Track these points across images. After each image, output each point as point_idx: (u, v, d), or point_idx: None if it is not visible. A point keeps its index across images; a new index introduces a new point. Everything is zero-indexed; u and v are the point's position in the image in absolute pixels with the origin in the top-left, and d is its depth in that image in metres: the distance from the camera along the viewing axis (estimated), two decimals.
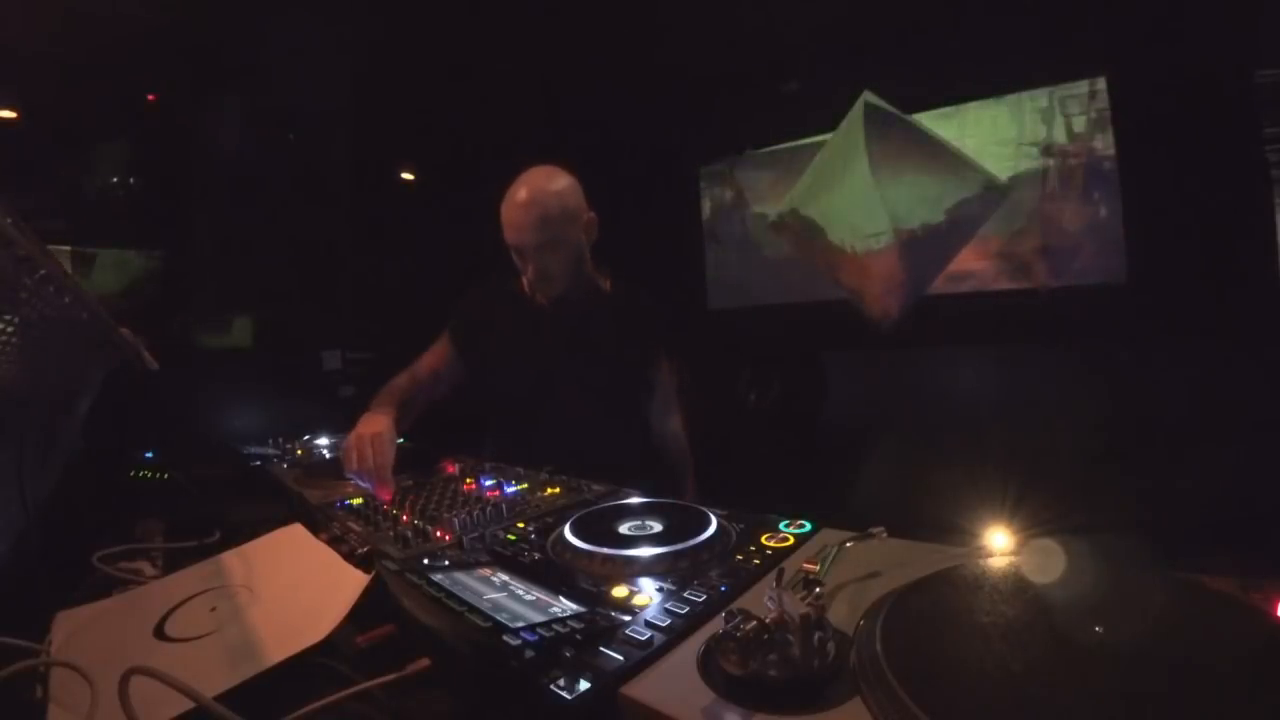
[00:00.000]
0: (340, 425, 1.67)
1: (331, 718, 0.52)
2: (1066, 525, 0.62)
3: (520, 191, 1.33)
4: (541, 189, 1.32)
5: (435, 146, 3.17)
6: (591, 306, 1.45)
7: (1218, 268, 1.86)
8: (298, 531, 0.86)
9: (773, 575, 0.58)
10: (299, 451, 1.46)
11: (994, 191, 2.30)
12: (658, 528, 0.76)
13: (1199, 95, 1.86)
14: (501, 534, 0.82)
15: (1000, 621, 0.47)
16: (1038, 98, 2.19)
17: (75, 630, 0.68)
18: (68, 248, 2.31)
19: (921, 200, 2.40)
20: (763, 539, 0.73)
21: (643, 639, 0.52)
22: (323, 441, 1.54)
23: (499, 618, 0.56)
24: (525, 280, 1.40)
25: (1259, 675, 0.40)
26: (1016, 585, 0.52)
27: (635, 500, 0.90)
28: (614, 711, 0.47)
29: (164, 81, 2.53)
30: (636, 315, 1.47)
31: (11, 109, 2.22)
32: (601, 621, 0.55)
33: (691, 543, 0.69)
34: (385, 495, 0.99)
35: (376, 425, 1.14)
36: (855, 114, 2.51)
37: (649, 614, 0.56)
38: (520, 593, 0.63)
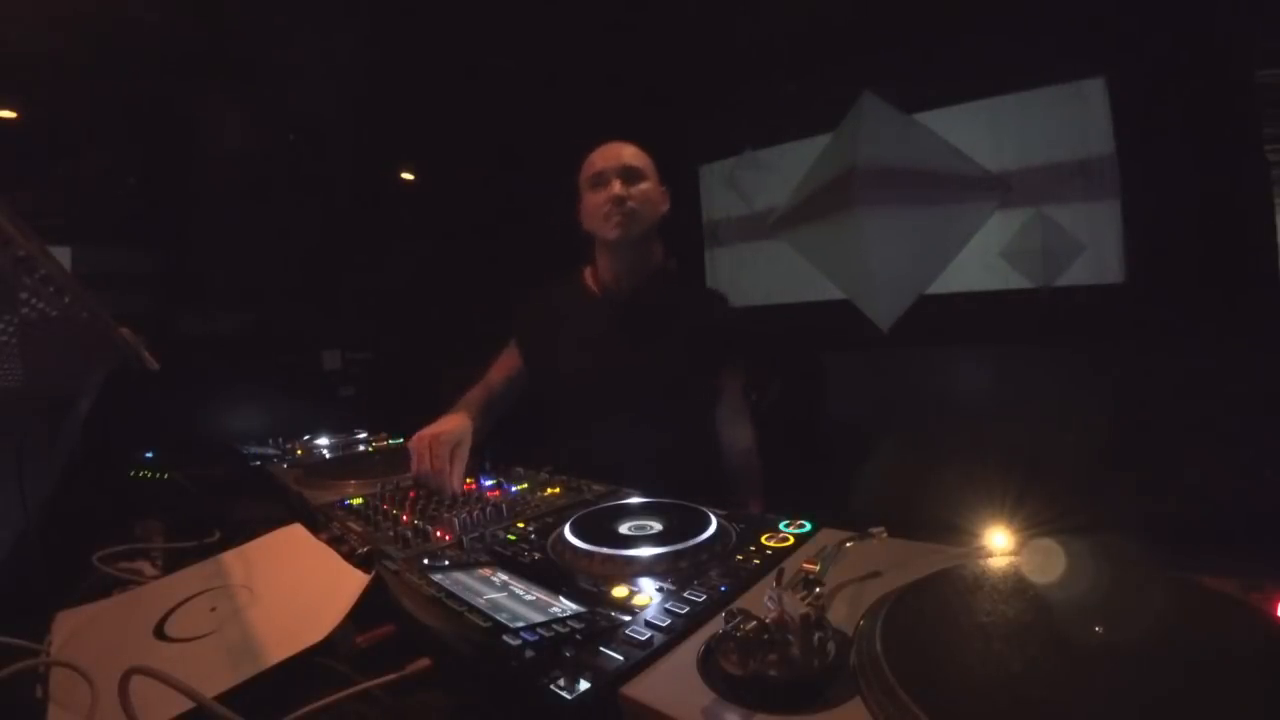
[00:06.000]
0: (340, 425, 1.67)
1: (331, 718, 0.52)
2: (1066, 525, 0.62)
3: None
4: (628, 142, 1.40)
5: (435, 146, 3.17)
6: (660, 298, 1.39)
7: (1218, 268, 1.86)
8: (298, 531, 0.86)
9: (773, 575, 0.58)
10: (299, 451, 1.46)
11: (994, 191, 2.31)
12: (658, 528, 0.76)
13: (1199, 95, 1.86)
14: (501, 534, 0.82)
15: (1000, 621, 0.47)
16: (1038, 97, 2.19)
17: (75, 630, 0.68)
18: (68, 248, 2.31)
19: (921, 200, 2.40)
20: (763, 539, 0.73)
21: (643, 639, 0.52)
22: (323, 441, 1.54)
23: (499, 618, 0.56)
24: (600, 211, 1.33)
25: (1259, 675, 0.40)
26: (1016, 585, 0.52)
27: (635, 500, 0.90)
28: (614, 711, 0.47)
29: (164, 81, 2.53)
30: (708, 314, 1.43)
31: (11, 109, 2.22)
32: (601, 621, 0.55)
33: (691, 543, 0.69)
34: (452, 492, 1.00)
35: (445, 424, 1.11)
36: (855, 114, 2.51)
37: (649, 614, 0.56)
38: (520, 593, 0.63)
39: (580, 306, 1.43)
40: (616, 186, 1.31)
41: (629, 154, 1.35)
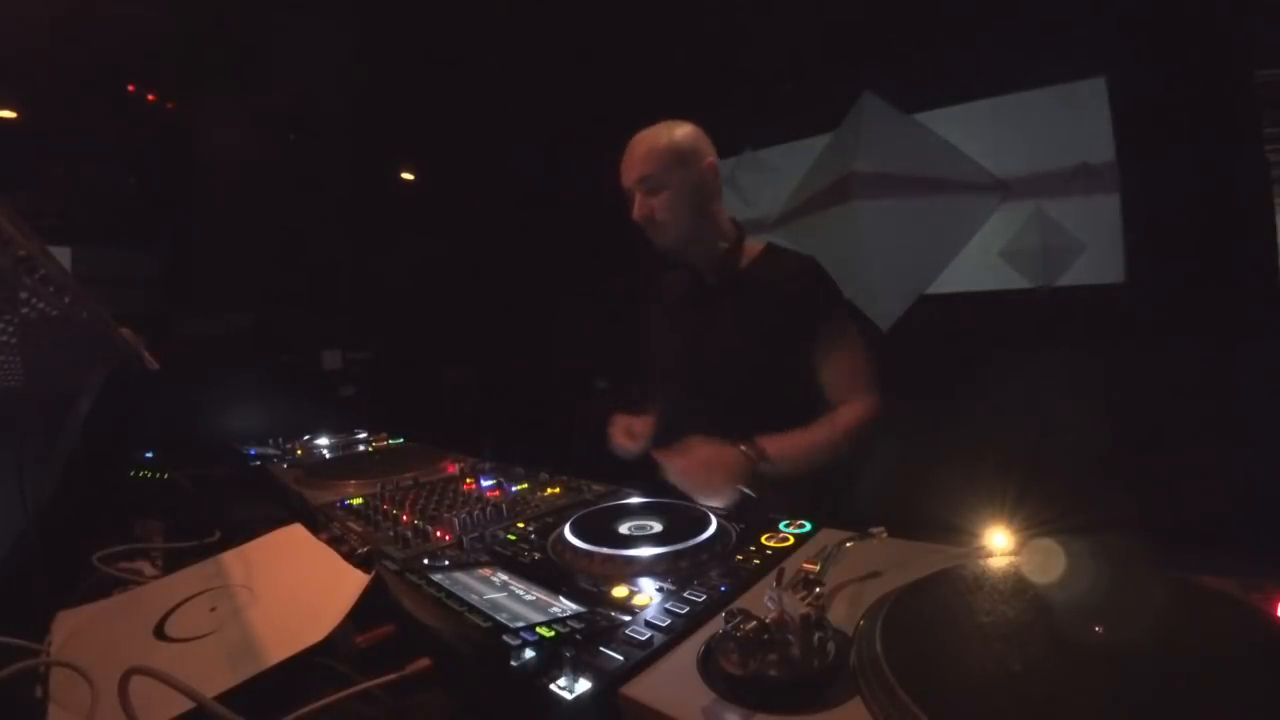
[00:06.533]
0: (340, 425, 1.67)
1: (331, 718, 0.52)
2: (1066, 525, 0.62)
3: (636, 136, 1.28)
4: (653, 130, 1.27)
5: (435, 146, 3.17)
6: (722, 278, 1.29)
7: (1218, 268, 1.86)
8: (298, 531, 0.86)
9: (773, 575, 0.58)
10: (299, 451, 1.46)
11: (994, 191, 2.30)
12: (658, 528, 0.76)
13: (1199, 95, 1.86)
14: (501, 534, 0.82)
15: (1000, 621, 0.47)
16: (1038, 98, 2.19)
17: (75, 630, 0.68)
18: (68, 248, 2.31)
19: (921, 200, 2.40)
20: (763, 539, 0.73)
21: (643, 639, 0.52)
22: (323, 441, 1.54)
23: (499, 618, 0.56)
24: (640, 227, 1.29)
25: (1259, 675, 0.40)
26: (1016, 585, 0.52)
27: (635, 500, 0.90)
28: (614, 711, 0.47)
29: (164, 81, 2.53)
30: (785, 285, 1.24)
31: (11, 109, 2.22)
32: (601, 621, 0.55)
33: (691, 543, 0.69)
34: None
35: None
36: (855, 114, 2.51)
37: (649, 614, 0.56)
38: (520, 593, 0.63)
39: (669, 297, 1.42)
40: (638, 207, 1.26)
41: (644, 162, 1.24)
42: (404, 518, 0.89)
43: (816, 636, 0.44)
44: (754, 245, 1.34)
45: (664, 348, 1.37)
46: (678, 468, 1.00)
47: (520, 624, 0.55)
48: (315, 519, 0.95)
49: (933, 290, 2.45)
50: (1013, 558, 0.58)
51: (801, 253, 1.32)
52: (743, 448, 1.04)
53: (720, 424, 1.16)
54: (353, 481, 1.12)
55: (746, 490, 1.00)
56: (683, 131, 1.27)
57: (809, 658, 0.43)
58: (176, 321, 2.59)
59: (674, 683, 0.47)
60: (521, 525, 0.85)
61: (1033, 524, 0.62)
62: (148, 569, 0.90)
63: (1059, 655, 0.43)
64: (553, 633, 0.53)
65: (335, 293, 3.07)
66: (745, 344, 1.22)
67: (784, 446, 1.07)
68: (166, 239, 2.62)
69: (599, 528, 0.77)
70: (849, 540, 0.63)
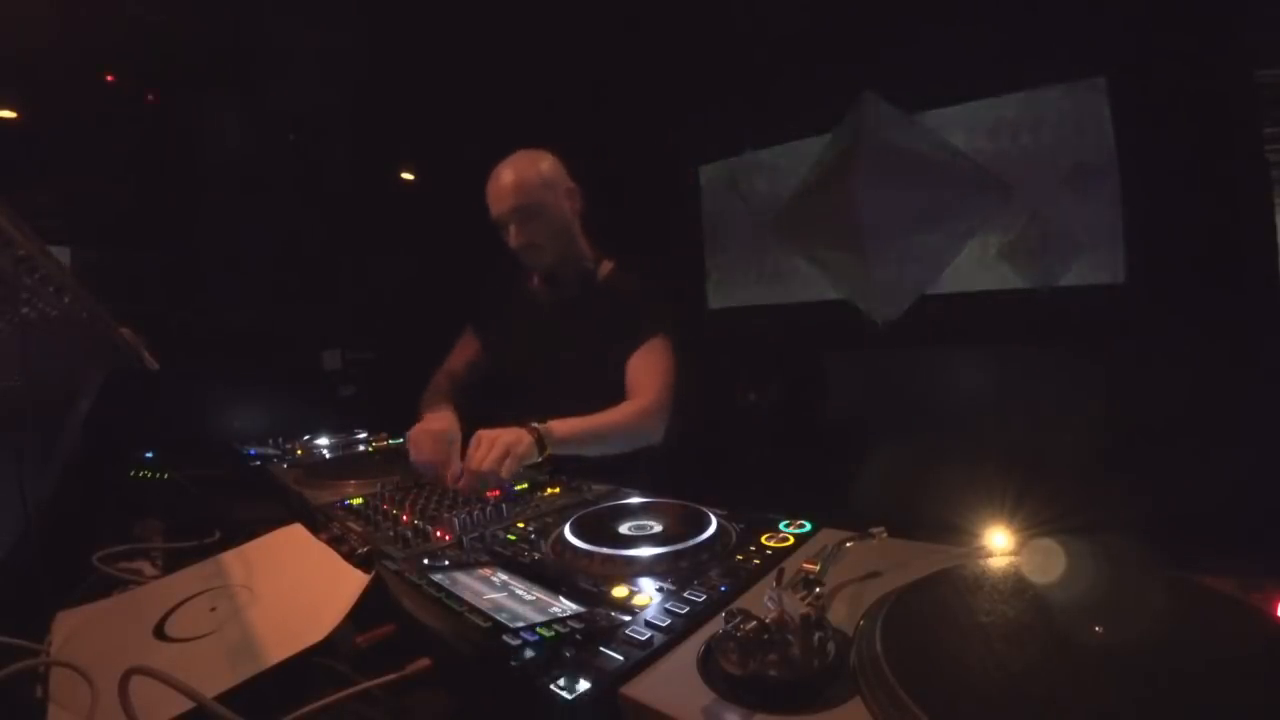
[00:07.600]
0: (340, 425, 1.67)
1: (331, 718, 0.52)
2: (1066, 525, 0.62)
3: (499, 167, 1.42)
4: (517, 162, 1.41)
5: (435, 146, 3.17)
6: (582, 290, 1.46)
7: (1218, 268, 1.86)
8: (298, 531, 0.86)
9: (773, 575, 0.58)
10: (299, 451, 1.46)
11: (994, 191, 2.30)
12: (658, 528, 0.77)
13: (1199, 95, 1.86)
14: (501, 534, 0.82)
15: (1000, 621, 0.47)
16: (1038, 97, 2.19)
17: (75, 630, 0.68)
18: (68, 248, 2.31)
19: (921, 200, 2.40)
20: (763, 539, 0.73)
21: (643, 639, 0.52)
22: (323, 441, 1.54)
23: (499, 618, 0.56)
24: (515, 252, 1.42)
25: (1259, 675, 0.40)
26: (1016, 585, 0.52)
27: (635, 500, 0.90)
28: (614, 711, 0.47)
29: (164, 81, 2.53)
30: (627, 298, 1.43)
31: (11, 109, 2.22)
32: (601, 621, 0.55)
33: (691, 543, 0.69)
34: (451, 483, 1.04)
35: (438, 421, 1.17)
36: (855, 113, 2.51)
37: (649, 614, 0.56)
38: (520, 593, 0.63)
39: (520, 301, 1.55)
40: (514, 237, 1.39)
41: (513, 194, 1.37)
42: (404, 518, 0.89)
43: (816, 636, 0.44)
44: (607, 264, 1.52)
45: (523, 348, 1.53)
46: (481, 442, 1.04)
47: (520, 624, 0.55)
48: (315, 519, 0.95)
49: (933, 290, 2.45)
50: (1013, 558, 0.58)
51: (645, 273, 1.51)
52: (535, 425, 1.11)
53: (571, 412, 1.24)
54: (353, 481, 1.12)
55: (527, 465, 1.09)
56: (548, 163, 1.42)
57: (809, 658, 0.43)
58: (176, 321, 2.59)
59: (674, 683, 0.47)
60: (521, 525, 0.85)
61: (1033, 524, 0.62)
62: (148, 569, 0.90)
63: (1059, 655, 0.43)
64: (553, 633, 0.53)
65: (335, 293, 3.07)
66: (603, 345, 1.37)
67: (571, 428, 1.17)
68: (167, 239, 2.62)
69: (599, 528, 0.77)
70: (849, 540, 0.63)
